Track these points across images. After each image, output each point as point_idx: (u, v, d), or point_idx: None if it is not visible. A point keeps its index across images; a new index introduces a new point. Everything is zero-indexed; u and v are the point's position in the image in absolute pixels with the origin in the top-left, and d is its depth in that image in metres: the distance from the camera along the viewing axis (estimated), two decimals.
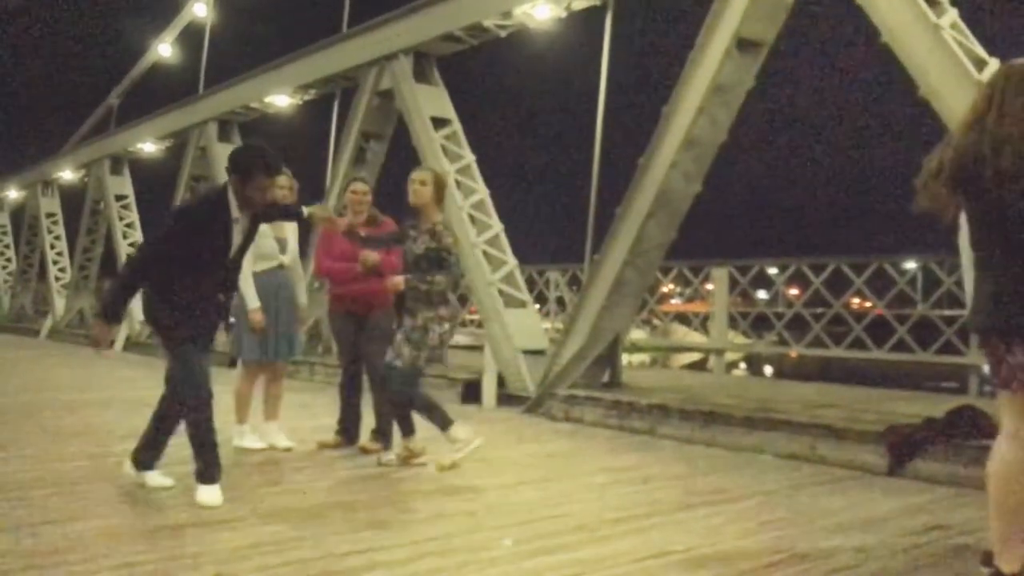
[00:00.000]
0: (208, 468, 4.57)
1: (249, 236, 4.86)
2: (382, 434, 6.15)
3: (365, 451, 6.10)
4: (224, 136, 16.11)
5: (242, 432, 6.28)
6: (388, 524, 4.24)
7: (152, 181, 20.40)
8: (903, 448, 5.75)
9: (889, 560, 3.77)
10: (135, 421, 7.28)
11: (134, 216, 20.22)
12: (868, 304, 10.83)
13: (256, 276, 6.12)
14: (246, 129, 16.19)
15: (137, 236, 19.93)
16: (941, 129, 5.80)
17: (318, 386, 10.32)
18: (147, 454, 4.92)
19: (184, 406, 4.65)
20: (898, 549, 3.93)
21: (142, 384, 11.00)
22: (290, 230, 6.35)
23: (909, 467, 5.71)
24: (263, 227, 6.10)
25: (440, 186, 5.58)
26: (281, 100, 14.72)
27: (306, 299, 6.63)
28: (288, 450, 6.20)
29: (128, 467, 4.97)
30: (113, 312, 4.60)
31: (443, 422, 5.52)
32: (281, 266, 6.28)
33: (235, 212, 4.66)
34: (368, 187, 6.40)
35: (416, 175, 5.54)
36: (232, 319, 6.28)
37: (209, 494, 4.50)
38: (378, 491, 5.03)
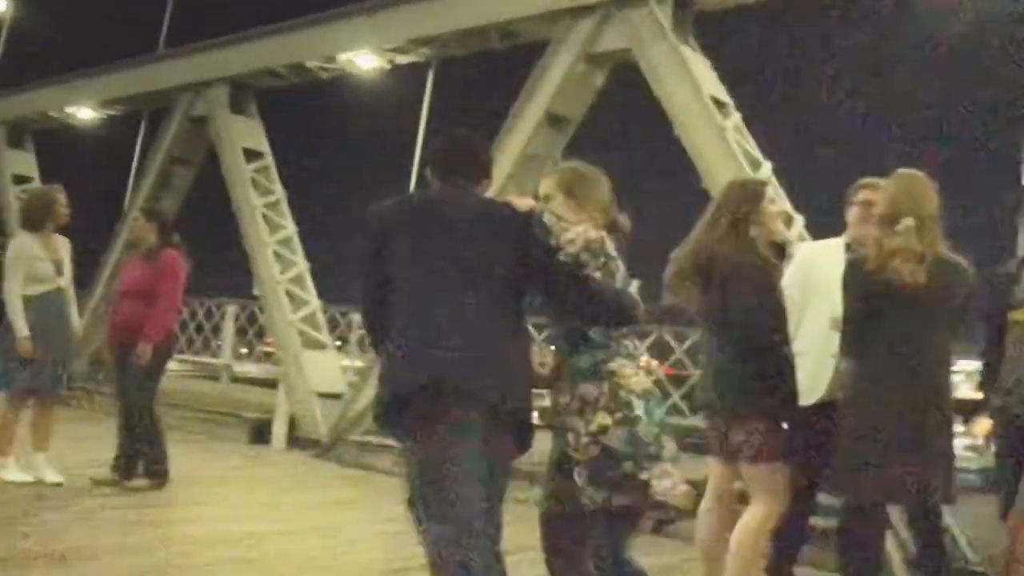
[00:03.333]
0: None
1: None
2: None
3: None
4: (14, 142, 15.06)
5: (3, 464, 5.91)
6: (161, 572, 4.15)
7: None
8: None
9: None
10: None
11: None
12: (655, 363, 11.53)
13: (31, 300, 5.84)
14: (41, 137, 15.24)
15: None
16: None
17: (97, 416, 9.80)
18: None
19: None
20: None
21: None
22: (65, 250, 6.12)
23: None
24: (37, 249, 5.89)
25: None
26: (84, 112, 14.01)
27: (79, 323, 6.42)
28: (58, 485, 5.88)
29: None
30: None
31: None
32: (59, 289, 6.03)
33: None
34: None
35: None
36: None
37: None
38: (150, 535, 4.89)
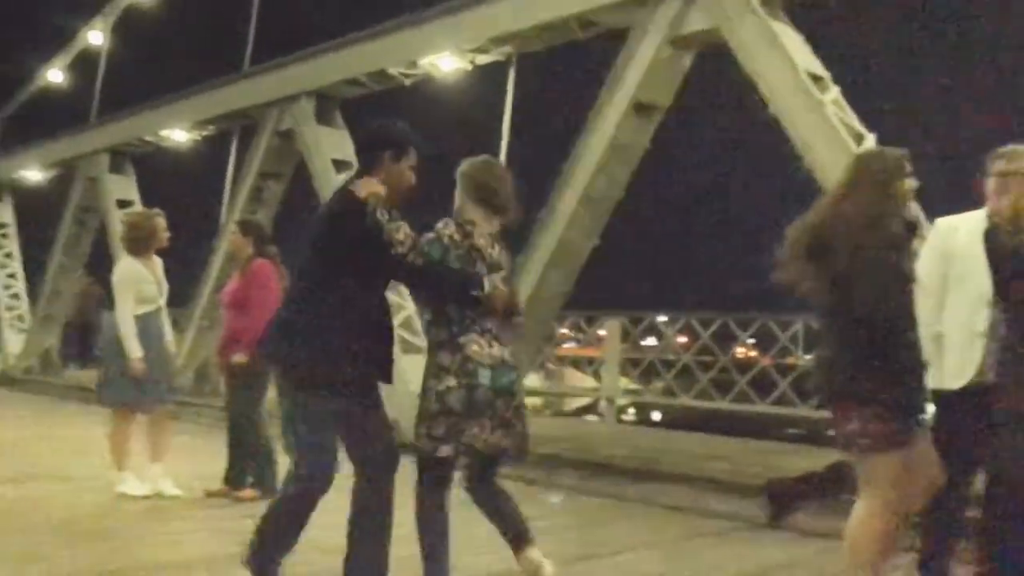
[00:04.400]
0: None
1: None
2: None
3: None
4: (116, 167, 15.63)
5: (124, 478, 6.05)
6: None
7: (35, 211, 19.55)
8: (783, 500, 5.98)
9: None
10: (10, 464, 7.01)
11: (13, 246, 19.33)
12: (752, 354, 11.25)
13: (138, 320, 5.96)
14: (140, 161, 15.79)
15: (15, 267, 19.06)
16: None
17: (207, 429, 10.03)
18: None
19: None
20: None
21: (19, 424, 10.52)
22: (160, 269, 6.25)
23: (789, 519, 5.94)
24: (143, 271, 6.02)
25: None
26: (178, 135, 14.43)
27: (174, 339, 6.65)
28: (175, 497, 6.00)
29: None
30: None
31: None
32: (159, 308, 6.17)
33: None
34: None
35: None
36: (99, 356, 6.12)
37: None
38: None
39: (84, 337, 19.24)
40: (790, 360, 10.69)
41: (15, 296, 18.86)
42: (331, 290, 3.34)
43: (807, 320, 10.32)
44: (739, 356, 11.24)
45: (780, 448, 9.16)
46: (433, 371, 3.43)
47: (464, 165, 3.63)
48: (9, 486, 6.08)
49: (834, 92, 6.86)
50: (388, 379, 3.47)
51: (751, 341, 10.88)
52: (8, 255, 19.20)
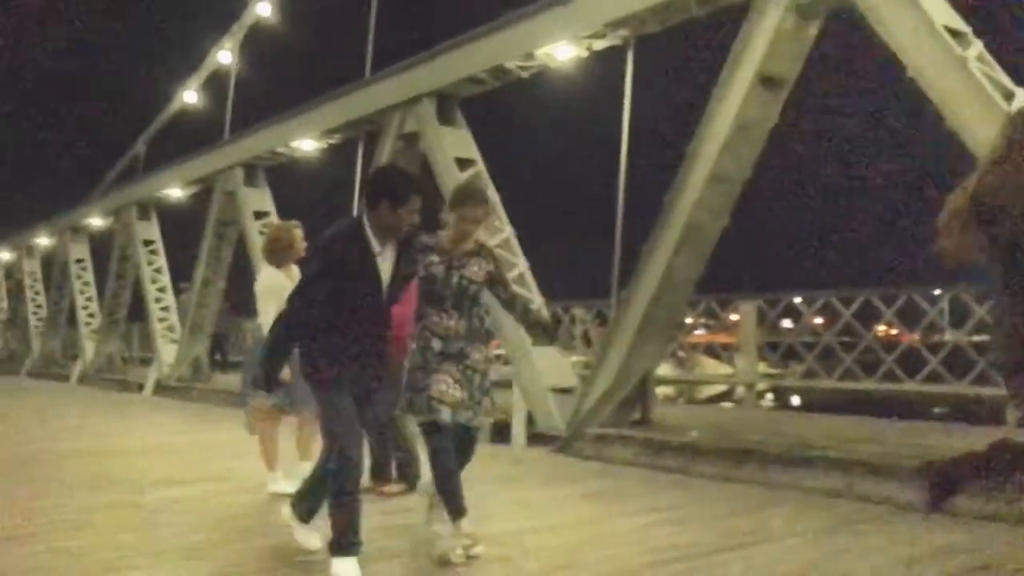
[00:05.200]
0: (341, 538, 4.08)
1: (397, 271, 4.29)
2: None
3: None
4: (250, 181, 16.30)
5: (275, 478, 6.28)
6: (427, 573, 4.22)
7: (179, 226, 20.66)
8: (943, 484, 5.66)
9: None
10: (170, 467, 7.39)
11: (162, 261, 20.44)
12: (895, 332, 10.76)
13: None
14: (272, 173, 16.41)
15: (165, 281, 20.15)
16: (970, 161, 5.79)
17: None
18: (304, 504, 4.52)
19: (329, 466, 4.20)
20: None
21: (173, 429, 11.11)
22: (299, 277, 6.44)
23: (949, 504, 5.62)
24: (283, 280, 6.21)
25: None
26: (307, 145, 14.91)
27: None
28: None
29: (287, 513, 4.61)
30: (273, 379, 4.26)
31: None
32: None
33: (376, 246, 4.15)
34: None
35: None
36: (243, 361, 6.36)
37: (342, 566, 4.03)
38: (409, 539, 4.98)
39: (216, 344, 20.23)
40: (935, 337, 10.19)
41: (166, 309, 19.92)
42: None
43: (958, 293, 9.82)
44: (878, 335, 10.76)
45: (932, 428, 8.71)
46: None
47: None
48: (170, 488, 6.41)
49: (977, 47, 6.42)
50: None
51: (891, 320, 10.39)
52: (158, 270, 20.30)
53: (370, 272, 4.14)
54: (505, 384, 10.61)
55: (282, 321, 4.27)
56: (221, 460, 7.88)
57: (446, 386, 4.32)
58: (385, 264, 4.17)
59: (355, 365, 4.16)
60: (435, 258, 4.41)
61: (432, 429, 4.37)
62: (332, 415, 4.12)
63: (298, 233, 6.49)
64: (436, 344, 4.37)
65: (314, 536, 4.45)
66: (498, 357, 14.82)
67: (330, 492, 4.13)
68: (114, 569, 4.17)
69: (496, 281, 4.48)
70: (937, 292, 10.15)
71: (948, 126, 6.25)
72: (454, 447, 4.44)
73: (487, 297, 4.53)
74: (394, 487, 6.27)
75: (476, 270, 4.44)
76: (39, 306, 27.95)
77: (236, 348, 21.65)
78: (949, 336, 10.05)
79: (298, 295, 4.23)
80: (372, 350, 4.22)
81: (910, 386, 9.90)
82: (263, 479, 6.34)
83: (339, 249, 4.13)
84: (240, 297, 18.24)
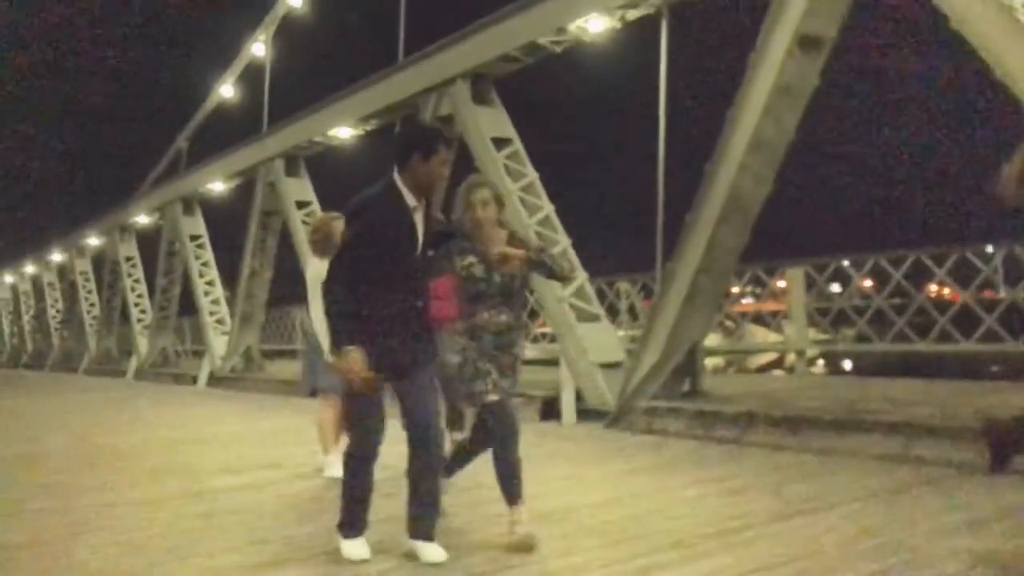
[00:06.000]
0: (347, 519, 4.27)
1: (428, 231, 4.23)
2: None
3: None
4: (291, 171, 16.47)
5: (331, 463, 6.36)
6: (482, 549, 4.25)
7: (224, 220, 20.93)
8: (1005, 444, 5.57)
9: (999, 565, 3.64)
10: (227, 456, 7.52)
11: (209, 255, 20.75)
12: (947, 291, 10.55)
13: None
14: (311, 162, 16.54)
15: (213, 275, 20.45)
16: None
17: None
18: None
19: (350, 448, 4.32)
20: (1007, 552, 3.80)
21: (228, 418, 11.29)
22: None
23: (1012, 463, 5.53)
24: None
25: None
26: (344, 132, 15.00)
27: None
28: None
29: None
30: (348, 340, 4.03)
31: None
32: None
33: (411, 199, 4.08)
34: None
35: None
36: (306, 348, 6.44)
37: (351, 548, 4.20)
38: (467, 517, 5.03)
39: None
40: (988, 293, 9.97)
41: (215, 301, 20.23)
42: None
43: (1013, 249, 9.58)
44: (931, 295, 10.55)
45: (988, 388, 8.55)
46: None
47: None
48: (228, 476, 6.52)
49: None
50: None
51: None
52: (205, 264, 20.62)
53: (407, 231, 4.07)
54: (553, 361, 10.64)
55: (329, 289, 4.13)
56: (276, 447, 8.00)
57: (499, 375, 4.38)
58: (420, 221, 4.12)
59: (392, 339, 4.07)
60: (473, 259, 4.37)
61: (488, 416, 4.41)
62: (355, 400, 4.18)
63: (337, 225, 6.52)
64: (488, 339, 4.38)
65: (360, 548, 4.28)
66: (544, 335, 14.91)
67: (345, 474, 4.30)
68: (179, 557, 4.26)
69: (535, 264, 4.44)
70: (990, 249, 9.91)
71: (998, 77, 6.07)
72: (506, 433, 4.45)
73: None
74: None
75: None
76: (92, 305, 28.56)
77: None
78: (1003, 294, 9.83)
79: (337, 259, 4.12)
80: (411, 316, 4.13)
81: (965, 346, 9.70)
82: (319, 465, 6.44)
83: (375, 209, 4.05)
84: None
